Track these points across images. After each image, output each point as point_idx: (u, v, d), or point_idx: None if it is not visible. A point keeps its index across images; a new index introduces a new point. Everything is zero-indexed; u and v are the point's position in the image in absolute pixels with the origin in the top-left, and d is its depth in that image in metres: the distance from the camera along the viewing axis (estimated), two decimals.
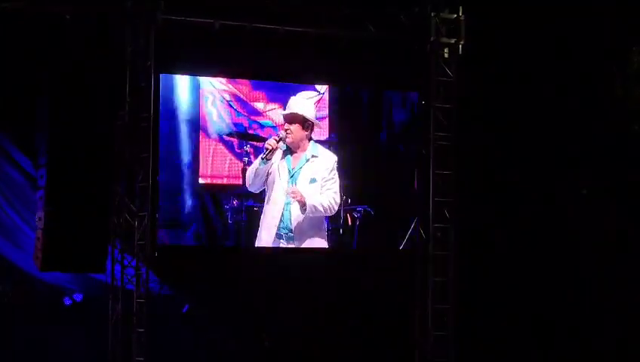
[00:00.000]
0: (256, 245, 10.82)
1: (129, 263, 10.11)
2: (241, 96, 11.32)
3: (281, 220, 10.65)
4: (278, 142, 10.55)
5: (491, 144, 11.92)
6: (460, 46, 10.85)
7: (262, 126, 11.28)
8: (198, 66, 10.98)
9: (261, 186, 10.70)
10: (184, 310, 11.22)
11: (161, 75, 10.55)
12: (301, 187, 10.63)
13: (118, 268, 10.09)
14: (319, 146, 10.84)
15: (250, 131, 11.27)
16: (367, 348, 11.41)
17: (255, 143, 11.11)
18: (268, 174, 10.62)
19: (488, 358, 11.71)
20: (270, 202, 10.69)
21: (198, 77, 11.06)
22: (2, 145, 10.79)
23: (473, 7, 10.91)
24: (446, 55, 10.86)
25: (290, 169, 10.70)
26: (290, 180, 10.67)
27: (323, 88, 11.44)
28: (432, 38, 10.78)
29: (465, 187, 11.19)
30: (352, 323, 11.50)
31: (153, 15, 9.97)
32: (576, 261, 11.99)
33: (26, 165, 10.77)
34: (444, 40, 10.82)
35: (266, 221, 10.72)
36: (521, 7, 11.63)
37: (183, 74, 11.03)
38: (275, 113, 11.22)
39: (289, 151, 10.71)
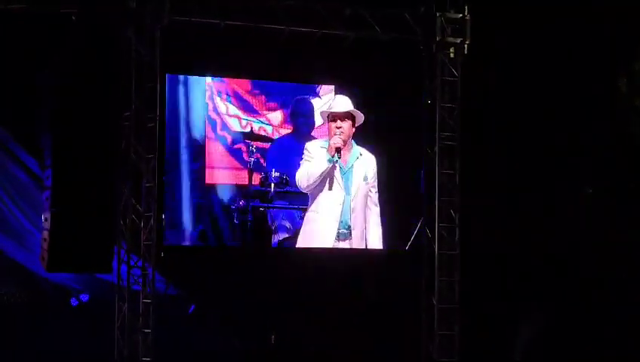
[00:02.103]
0: (307, 246, 10.84)
1: (135, 263, 10.09)
2: (241, 94, 11.33)
3: (340, 220, 10.71)
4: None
5: (497, 143, 11.91)
6: (466, 46, 10.83)
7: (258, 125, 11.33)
8: (203, 66, 11.00)
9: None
10: (190, 310, 11.24)
11: (167, 75, 10.59)
12: (355, 184, 10.71)
13: (124, 268, 10.07)
14: (359, 146, 10.89)
15: (255, 131, 11.30)
16: (372, 348, 11.41)
17: (260, 144, 11.14)
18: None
19: (494, 358, 11.72)
20: (325, 201, 10.69)
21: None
22: (7, 145, 10.79)
23: (478, 6, 10.90)
24: (451, 55, 10.85)
25: (342, 166, 10.72)
26: (343, 177, 10.69)
27: (327, 88, 11.45)
28: (437, 38, 10.76)
29: (470, 186, 11.17)
30: (358, 323, 11.50)
31: (158, 15, 9.96)
32: (576, 261, 11.99)
33: (32, 165, 10.78)
34: (450, 39, 10.80)
35: (322, 221, 10.73)
36: (526, 7, 11.62)
37: (188, 74, 11.04)
38: (274, 114, 11.21)
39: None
